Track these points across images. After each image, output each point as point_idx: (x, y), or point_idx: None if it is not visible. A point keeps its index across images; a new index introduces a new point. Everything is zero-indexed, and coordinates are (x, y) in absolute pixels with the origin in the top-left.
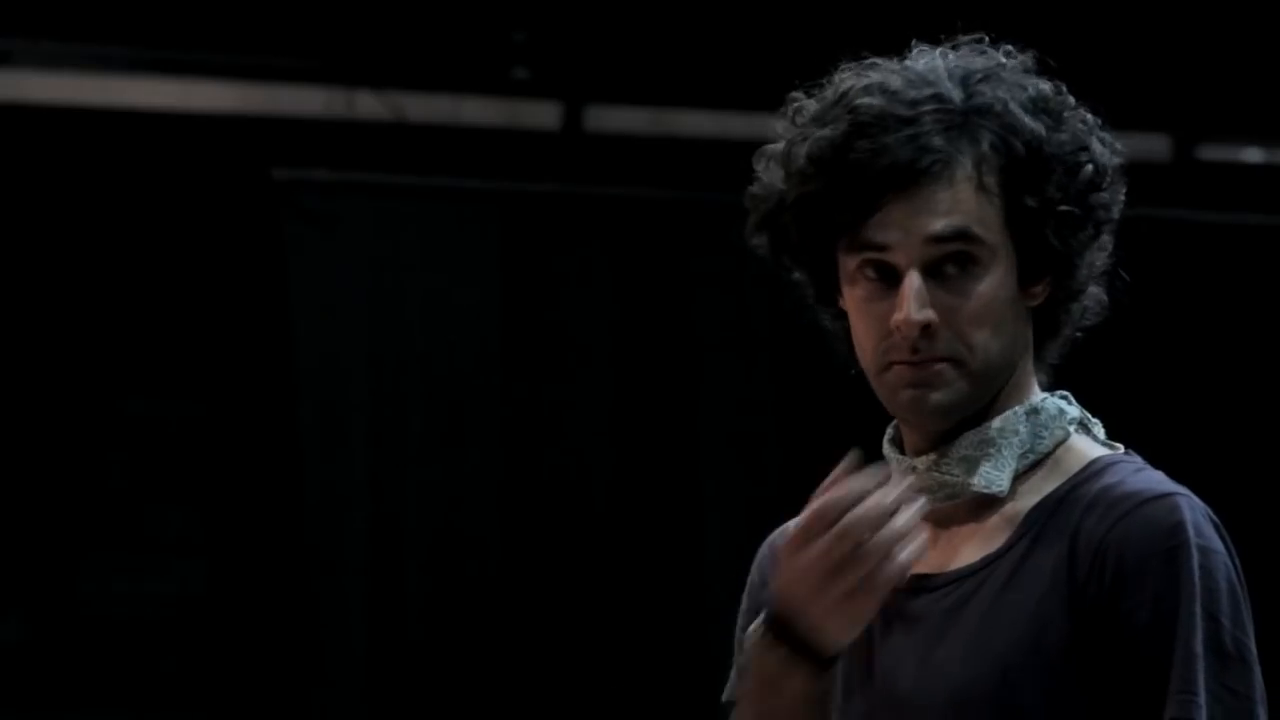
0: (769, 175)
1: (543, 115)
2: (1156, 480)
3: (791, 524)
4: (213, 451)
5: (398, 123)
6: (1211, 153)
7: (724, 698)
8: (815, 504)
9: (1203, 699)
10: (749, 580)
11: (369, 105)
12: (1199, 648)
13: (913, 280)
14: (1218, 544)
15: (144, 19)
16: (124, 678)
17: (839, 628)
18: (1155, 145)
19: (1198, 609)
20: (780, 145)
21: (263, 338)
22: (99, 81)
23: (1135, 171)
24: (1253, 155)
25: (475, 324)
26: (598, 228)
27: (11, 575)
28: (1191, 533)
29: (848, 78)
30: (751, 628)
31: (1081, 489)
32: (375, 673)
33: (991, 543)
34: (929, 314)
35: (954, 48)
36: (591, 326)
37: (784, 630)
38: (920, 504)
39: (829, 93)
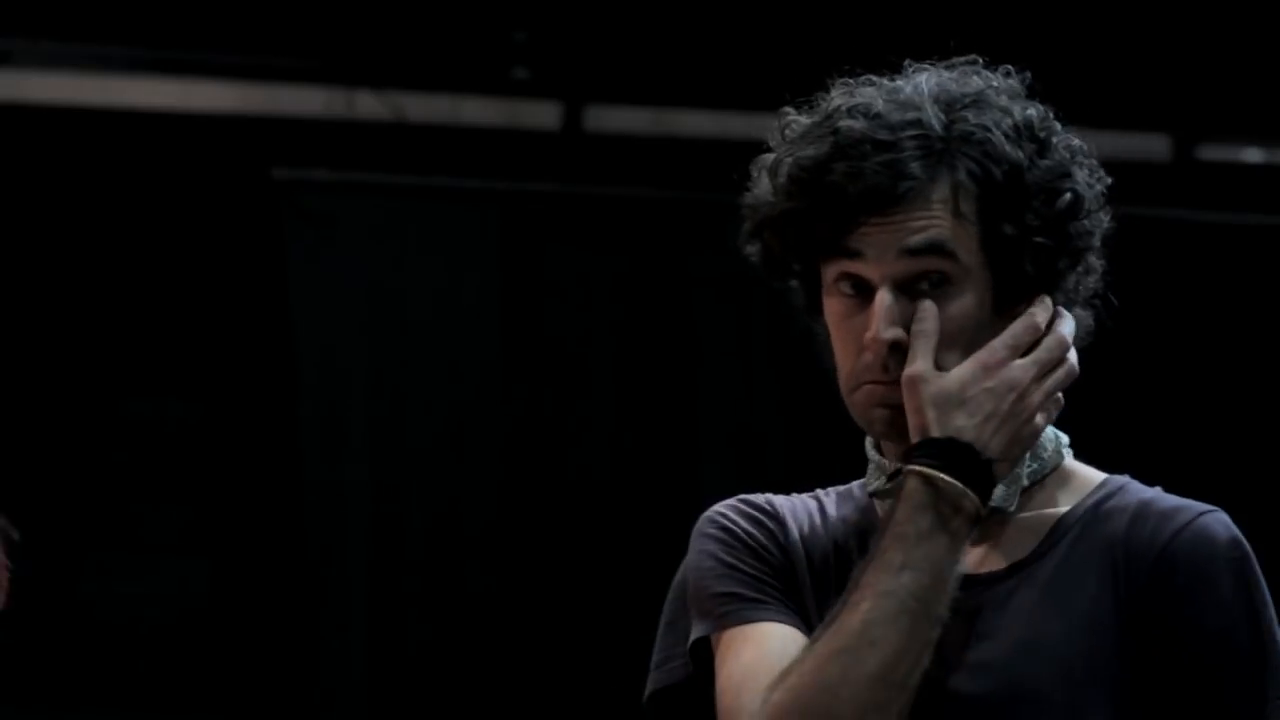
0: (760, 187)
1: (543, 115)
2: (1187, 499)
3: (730, 500)
4: (213, 451)
5: (398, 123)
6: (1211, 153)
7: (694, 635)
8: (1004, 334)
9: None
10: (719, 533)
11: (369, 105)
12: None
13: (884, 297)
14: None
15: (144, 19)
16: (124, 678)
17: (1017, 451)
18: (1155, 145)
19: (1273, 616)
20: (770, 158)
21: (263, 338)
22: (99, 81)
23: (1135, 171)
24: (1253, 155)
25: (475, 324)
26: (598, 228)
27: (11, 575)
28: (1248, 547)
29: (837, 95)
30: (910, 469)
31: (1110, 504)
32: (376, 673)
33: (1014, 551)
34: (898, 332)
35: (949, 68)
36: (591, 326)
37: (962, 460)
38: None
39: (819, 109)
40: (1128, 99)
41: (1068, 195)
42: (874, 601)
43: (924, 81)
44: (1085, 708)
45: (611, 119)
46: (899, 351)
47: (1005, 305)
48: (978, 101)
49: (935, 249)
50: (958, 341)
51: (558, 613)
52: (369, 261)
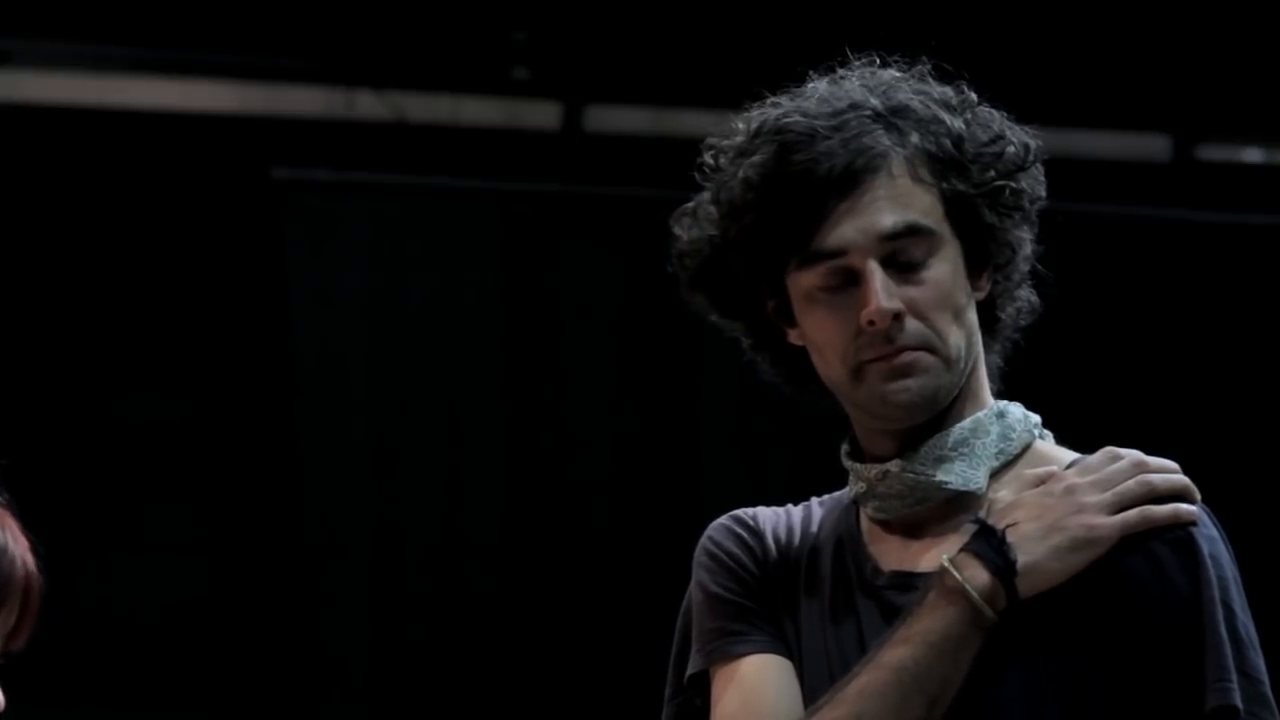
0: (694, 231)
1: (543, 115)
2: None
3: (722, 518)
4: (212, 451)
5: (398, 123)
6: (1211, 153)
7: (689, 671)
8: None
9: (1235, 683)
10: (706, 559)
11: (369, 105)
12: (1224, 635)
13: (876, 273)
14: (1216, 533)
15: (144, 19)
16: (124, 678)
17: (1064, 566)
18: (1155, 145)
19: (1216, 596)
20: (702, 198)
21: (262, 338)
22: (99, 81)
23: (1135, 171)
24: (1253, 155)
25: (475, 324)
26: (598, 228)
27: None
28: (1197, 525)
29: (756, 115)
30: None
31: None
32: (376, 673)
33: None
34: (898, 303)
35: (850, 70)
36: (592, 326)
37: (1005, 562)
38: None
39: (740, 134)
40: (1128, 99)
41: (1011, 148)
42: (870, 674)
43: (839, 78)
44: (1047, 696)
45: (611, 119)
46: (899, 320)
47: (975, 267)
48: (895, 85)
49: (911, 229)
50: (946, 306)
51: (558, 613)
52: (369, 261)
